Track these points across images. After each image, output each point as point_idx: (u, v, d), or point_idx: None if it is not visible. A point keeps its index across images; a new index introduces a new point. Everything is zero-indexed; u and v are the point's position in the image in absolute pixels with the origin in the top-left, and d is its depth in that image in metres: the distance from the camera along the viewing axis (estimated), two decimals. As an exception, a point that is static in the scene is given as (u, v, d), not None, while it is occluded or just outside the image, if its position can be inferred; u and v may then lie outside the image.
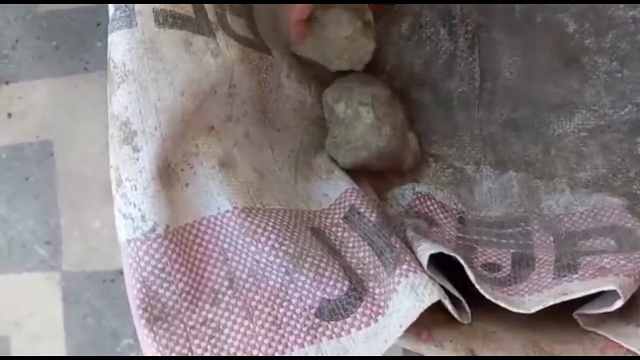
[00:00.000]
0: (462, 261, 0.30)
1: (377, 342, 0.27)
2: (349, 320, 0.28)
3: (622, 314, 0.28)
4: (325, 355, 0.27)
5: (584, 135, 0.41)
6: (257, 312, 0.29)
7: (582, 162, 0.41)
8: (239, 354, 0.28)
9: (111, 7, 0.30)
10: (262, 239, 0.30)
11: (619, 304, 0.27)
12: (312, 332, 0.28)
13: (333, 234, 0.34)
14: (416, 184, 0.42)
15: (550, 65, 0.42)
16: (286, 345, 0.28)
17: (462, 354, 0.28)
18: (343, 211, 0.35)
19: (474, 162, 0.43)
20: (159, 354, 0.27)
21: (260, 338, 0.28)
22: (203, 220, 0.31)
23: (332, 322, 0.28)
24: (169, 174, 0.30)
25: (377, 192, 0.41)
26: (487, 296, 0.29)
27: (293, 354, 0.28)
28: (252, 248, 0.30)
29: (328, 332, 0.28)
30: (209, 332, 0.28)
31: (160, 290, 0.28)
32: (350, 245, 0.33)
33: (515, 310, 0.29)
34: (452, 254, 0.30)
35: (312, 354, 0.28)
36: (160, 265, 0.28)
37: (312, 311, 0.29)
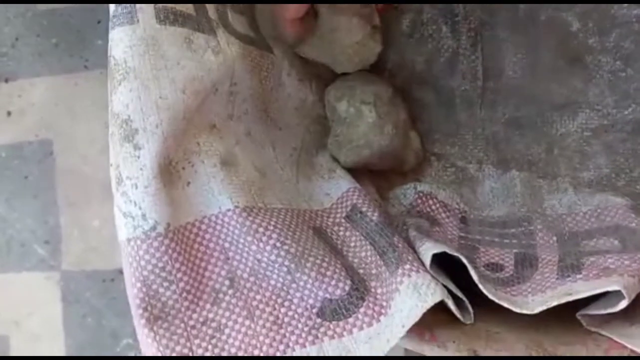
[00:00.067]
0: (465, 261, 0.29)
1: (380, 342, 0.27)
2: (351, 320, 0.28)
3: (627, 315, 0.28)
4: (327, 355, 0.27)
5: (587, 135, 0.41)
6: (258, 312, 0.29)
7: (585, 162, 0.41)
8: (240, 354, 0.28)
9: (112, 4, 0.30)
10: (264, 238, 0.30)
11: (623, 304, 0.27)
12: (313, 332, 0.28)
13: (335, 233, 0.34)
14: (418, 183, 0.41)
15: (554, 64, 0.42)
16: (287, 345, 0.28)
17: (464, 354, 0.27)
18: (345, 210, 0.35)
19: (476, 161, 0.43)
20: (159, 354, 0.27)
21: (261, 338, 0.28)
22: (204, 219, 0.30)
23: (334, 322, 0.28)
24: (170, 172, 0.30)
25: (379, 191, 0.41)
26: (490, 296, 0.29)
27: (294, 354, 0.27)
28: (254, 247, 0.30)
29: (330, 332, 0.28)
30: (210, 332, 0.28)
31: (161, 290, 0.28)
32: (352, 244, 0.33)
33: (518, 310, 0.29)
34: (455, 253, 0.30)
35: (313, 354, 0.27)
36: (160, 265, 0.28)
37: (314, 311, 0.28)
